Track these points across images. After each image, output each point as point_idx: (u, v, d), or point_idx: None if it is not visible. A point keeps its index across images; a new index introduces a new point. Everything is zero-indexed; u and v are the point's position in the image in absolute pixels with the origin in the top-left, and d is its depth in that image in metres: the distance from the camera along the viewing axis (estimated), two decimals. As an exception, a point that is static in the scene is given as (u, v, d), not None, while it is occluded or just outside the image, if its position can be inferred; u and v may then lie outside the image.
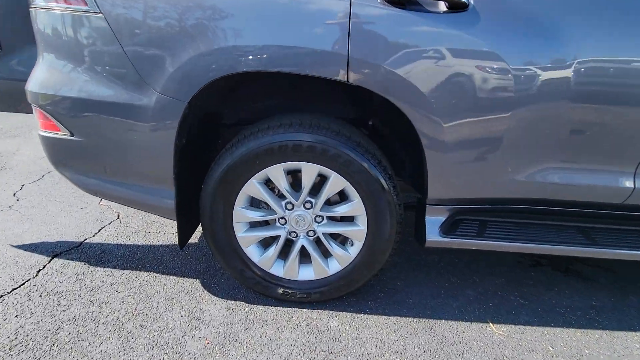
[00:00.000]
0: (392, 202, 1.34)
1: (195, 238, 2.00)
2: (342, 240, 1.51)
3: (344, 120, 1.46)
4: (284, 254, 1.51)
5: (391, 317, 1.50)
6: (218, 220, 1.41)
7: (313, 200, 1.40)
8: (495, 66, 1.14)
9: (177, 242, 1.96)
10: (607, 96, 1.17)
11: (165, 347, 1.34)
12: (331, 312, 1.52)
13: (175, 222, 1.45)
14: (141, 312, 1.50)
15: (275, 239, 1.49)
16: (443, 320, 1.50)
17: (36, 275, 1.69)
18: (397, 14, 1.11)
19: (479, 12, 1.11)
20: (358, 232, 1.42)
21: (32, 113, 1.59)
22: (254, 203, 1.47)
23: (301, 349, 1.34)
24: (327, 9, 1.12)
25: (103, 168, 1.37)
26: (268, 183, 1.42)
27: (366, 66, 1.15)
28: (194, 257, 1.85)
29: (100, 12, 1.16)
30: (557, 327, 1.49)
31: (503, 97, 1.15)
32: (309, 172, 1.33)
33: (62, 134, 1.33)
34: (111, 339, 1.37)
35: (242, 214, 1.42)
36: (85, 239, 1.99)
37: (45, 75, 1.28)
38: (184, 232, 1.49)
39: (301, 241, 1.47)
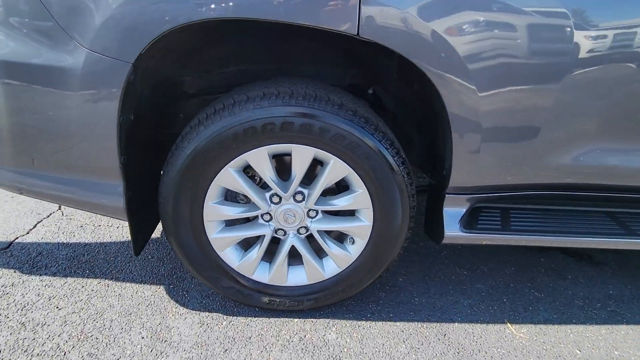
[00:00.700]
0: (405, 193, 1.08)
1: (156, 232, 1.67)
2: (339, 237, 1.24)
3: (341, 89, 1.15)
4: (269, 255, 1.23)
5: (397, 323, 1.29)
6: (184, 219, 1.10)
7: (305, 192, 1.11)
8: (549, 20, 0.87)
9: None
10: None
11: (122, 383, 1.05)
12: (327, 320, 1.28)
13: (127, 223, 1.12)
14: (89, 335, 1.18)
15: (258, 239, 1.20)
16: (456, 324, 1.30)
17: (-52, 291, 1.32)
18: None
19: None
20: (361, 228, 1.15)
21: None
22: (230, 196, 1.16)
23: (296, 374, 1.10)
24: None
25: (29, 157, 1.00)
26: (247, 171, 1.11)
27: (385, 14, 0.83)
28: (155, 258, 1.54)
29: None
30: (580, 324, 1.33)
31: (559, 62, 0.89)
32: (302, 156, 1.03)
33: (-49, 108, 0.93)
34: (49, 376, 1.06)
35: (215, 211, 1.11)
36: (17, 238, 1.61)
37: None
38: (139, 236, 1.16)
39: (290, 240, 1.19)
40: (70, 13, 0.83)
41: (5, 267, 1.44)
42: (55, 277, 1.41)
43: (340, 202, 1.13)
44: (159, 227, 1.66)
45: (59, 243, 1.60)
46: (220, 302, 1.33)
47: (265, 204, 1.12)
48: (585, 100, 0.97)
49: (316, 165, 1.10)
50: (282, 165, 1.13)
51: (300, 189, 1.11)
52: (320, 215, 1.16)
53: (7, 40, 0.87)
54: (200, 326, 1.23)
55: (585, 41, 0.90)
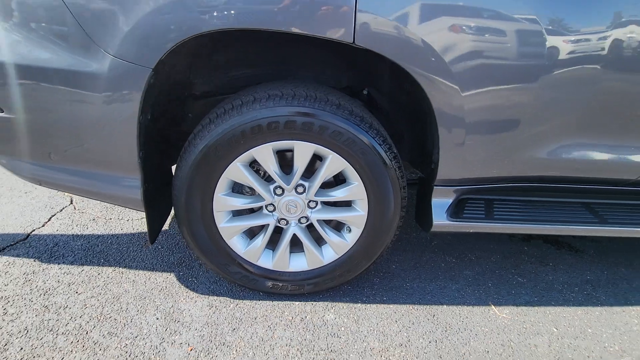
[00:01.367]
0: (397, 185, 1.19)
1: (165, 225, 1.78)
2: (337, 227, 1.35)
3: (339, 91, 1.26)
4: (272, 243, 1.34)
5: (390, 306, 1.40)
6: (195, 210, 1.21)
7: (306, 184, 1.22)
8: (523, 26, 0.98)
9: (145, 231, 1.73)
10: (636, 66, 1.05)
11: (141, 358, 1.16)
12: (326, 303, 1.39)
13: (143, 213, 1.22)
14: (108, 316, 1.29)
15: (262, 228, 1.31)
16: (444, 306, 1.42)
17: (-27, 278, 1.42)
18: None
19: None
20: (357, 217, 1.26)
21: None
22: (237, 189, 1.27)
23: (298, 349, 1.21)
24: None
25: (47, 152, 1.10)
26: (253, 165, 1.22)
27: (374, 25, 0.94)
28: (165, 247, 1.64)
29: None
30: (558, 305, 1.45)
31: (534, 63, 1.00)
32: (304, 152, 1.14)
33: (-14, 109, 1.04)
34: (74, 352, 1.16)
35: (223, 202, 1.22)
36: (33, 230, 1.71)
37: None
38: (154, 225, 1.27)
39: (292, 229, 1.30)
40: (98, 24, 0.93)
41: (25, 257, 1.54)
42: (73, 266, 1.51)
43: (338, 194, 1.24)
44: (167, 220, 1.77)
45: (73, 235, 1.70)
46: (228, 287, 1.44)
47: (270, 195, 1.23)
48: (558, 99, 1.08)
49: (316, 160, 1.21)
50: (284, 160, 1.24)
51: (301, 181, 1.21)
52: (319, 205, 1.27)
53: (39, 49, 0.97)
54: (210, 308, 1.34)
55: (554, 46, 1.01)
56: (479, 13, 0.98)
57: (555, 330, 1.34)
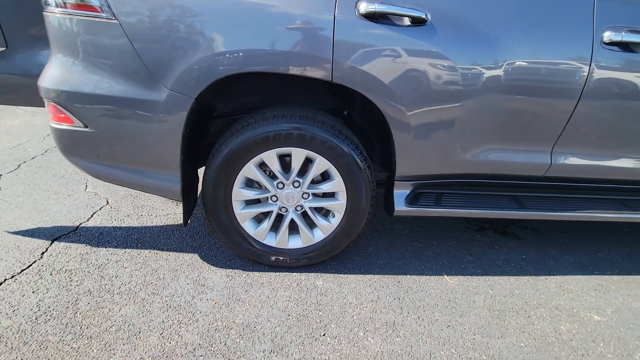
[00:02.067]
0: (367, 180, 1.63)
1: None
2: (325, 213, 1.78)
3: (324, 112, 1.71)
4: (275, 226, 1.76)
5: (366, 275, 1.82)
6: (219, 200, 1.63)
7: (300, 180, 1.66)
8: (446, 65, 1.43)
9: (170, 224, 2.15)
10: (529, 90, 1.50)
11: (178, 308, 1.56)
12: (317, 274, 1.81)
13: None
14: (150, 282, 1.70)
15: (267, 214, 1.74)
16: (408, 275, 1.83)
17: (41, 257, 1.82)
18: (372, 26, 1.37)
19: (435, 26, 1.40)
20: (339, 205, 1.70)
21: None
22: (249, 184, 1.70)
23: (295, 303, 1.62)
24: (316, 22, 1.36)
25: (114, 156, 1.53)
26: (262, 166, 1.65)
27: (346, 68, 1.40)
28: (188, 236, 2.06)
29: (116, 19, 1.32)
30: (496, 275, 1.87)
31: (453, 90, 1.45)
32: (298, 156, 1.58)
33: (76, 125, 1.47)
34: (128, 305, 1.56)
35: (240, 193, 1.65)
36: (80, 224, 2.12)
37: (60, 73, 1.42)
38: (187, 211, 1.69)
39: (290, 215, 1.73)
40: (159, 68, 1.38)
41: (78, 242, 1.95)
42: (117, 248, 1.92)
43: (324, 187, 1.67)
44: (179, 221, 2.18)
45: (113, 227, 2.11)
46: (240, 262, 1.85)
47: (273, 188, 1.66)
48: (474, 117, 1.53)
49: (308, 162, 1.65)
50: (284, 162, 1.67)
51: (297, 178, 1.65)
52: (311, 196, 1.71)
53: (116, 84, 1.41)
54: (227, 277, 1.75)
55: (467, 78, 1.46)
56: (414, 58, 1.43)
57: (491, 291, 1.76)
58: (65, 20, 1.35)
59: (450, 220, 2.35)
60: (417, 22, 1.38)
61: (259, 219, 1.77)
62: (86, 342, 1.38)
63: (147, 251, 1.91)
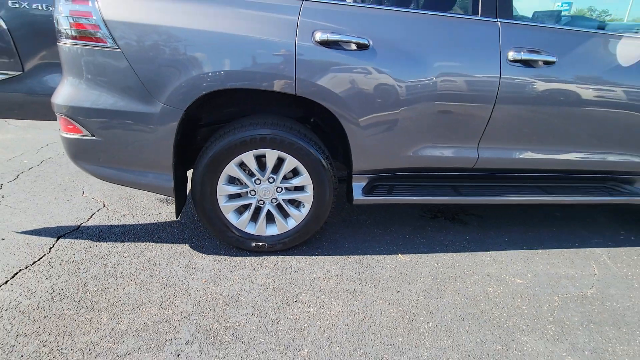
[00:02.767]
0: (330, 175, 1.98)
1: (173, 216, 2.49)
2: (296, 204, 2.12)
3: (294, 119, 2.06)
4: (254, 217, 2.09)
5: (333, 256, 2.15)
6: (206, 195, 1.95)
7: (274, 176, 1.99)
8: (386, 80, 1.80)
9: (162, 221, 2.44)
10: (454, 98, 1.88)
11: (173, 286, 1.86)
12: (291, 256, 2.13)
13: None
14: (148, 267, 1.99)
15: (247, 206, 2.06)
16: (368, 255, 2.18)
17: (49, 251, 2.08)
18: (325, 51, 1.73)
19: (376, 50, 1.76)
20: (307, 197, 2.03)
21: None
22: (231, 180, 2.02)
23: (272, 279, 1.94)
24: (282, 47, 1.70)
25: (117, 159, 1.83)
26: (242, 165, 1.98)
27: (307, 83, 1.75)
28: (179, 230, 2.35)
29: (119, 48, 1.64)
30: (442, 253, 2.24)
31: (393, 100, 1.82)
32: (272, 156, 1.92)
33: (84, 135, 1.77)
34: (130, 285, 1.85)
35: (223, 189, 1.97)
36: (82, 223, 2.39)
37: (71, 91, 1.72)
38: (179, 205, 2.00)
39: (267, 207, 2.06)
40: (154, 85, 1.69)
41: (81, 239, 2.22)
42: (117, 242, 2.20)
43: (294, 182, 2.01)
44: (170, 218, 2.47)
45: (111, 225, 2.39)
46: (225, 250, 2.15)
47: (252, 184, 1.99)
48: (412, 121, 1.89)
49: (280, 161, 1.98)
50: (260, 162, 2.00)
51: (271, 175, 1.98)
52: (284, 190, 2.04)
53: (117, 99, 1.72)
54: (214, 261, 2.06)
55: (404, 90, 1.83)
56: (360, 75, 1.78)
57: (436, 264, 2.12)
58: (77, 49, 1.65)
59: (408, 210, 2.71)
60: (361, 47, 1.74)
61: (240, 210, 2.09)
62: (97, 313, 1.67)
63: (143, 243, 2.20)
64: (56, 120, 1.85)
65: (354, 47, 1.74)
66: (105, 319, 1.63)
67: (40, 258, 2.02)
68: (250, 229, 2.08)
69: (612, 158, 2.16)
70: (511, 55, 1.85)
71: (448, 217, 2.66)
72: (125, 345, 1.51)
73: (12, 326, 1.57)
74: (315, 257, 2.14)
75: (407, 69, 1.81)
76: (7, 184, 2.86)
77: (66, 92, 1.73)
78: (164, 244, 2.19)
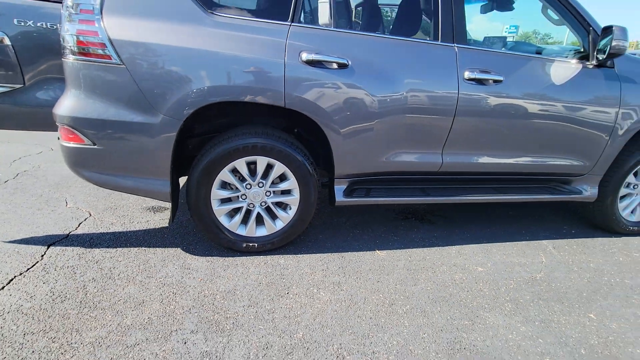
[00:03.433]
0: (314, 180, 2.20)
1: (165, 223, 2.60)
2: (284, 207, 2.31)
3: (280, 129, 2.27)
4: (244, 220, 2.26)
5: (317, 254, 2.35)
6: (201, 199, 2.10)
7: (264, 181, 2.18)
8: (363, 95, 2.06)
9: (151, 228, 2.55)
10: (421, 111, 2.18)
11: (171, 285, 1.98)
12: (280, 255, 2.31)
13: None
14: (144, 269, 2.09)
15: (238, 209, 2.23)
16: (349, 252, 2.40)
17: (42, 258, 2.14)
18: (311, 69, 1.97)
19: (354, 69, 2.03)
20: (294, 200, 2.24)
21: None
22: (224, 185, 2.19)
23: (264, 275, 2.11)
24: (273, 66, 1.92)
25: (117, 167, 1.95)
26: (234, 171, 2.15)
27: (294, 97, 1.98)
28: (169, 235, 2.47)
29: (123, 64, 1.79)
30: (414, 248, 2.50)
31: (369, 112, 2.08)
32: (262, 162, 2.11)
33: (85, 144, 1.89)
34: (129, 286, 1.96)
35: (217, 194, 2.13)
36: (70, 232, 2.44)
37: (74, 103, 1.83)
38: (174, 210, 2.14)
39: (257, 209, 2.24)
40: (156, 98, 1.85)
41: (72, 246, 2.28)
42: (109, 248, 2.28)
43: (282, 186, 2.21)
44: (165, 221, 2.58)
45: (101, 232, 2.46)
46: (217, 251, 2.30)
47: (243, 189, 2.17)
48: (385, 131, 2.17)
49: (270, 167, 2.17)
50: (250, 168, 2.19)
51: (261, 180, 2.17)
52: (272, 194, 2.23)
53: (121, 110, 1.86)
54: (208, 262, 2.19)
55: (377, 102, 2.10)
56: (341, 90, 2.03)
57: (409, 258, 2.38)
58: (82, 64, 1.79)
59: (383, 212, 2.98)
60: (341, 66, 2.00)
61: (231, 214, 2.25)
62: (101, 312, 1.76)
63: (135, 249, 2.29)
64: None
65: (335, 65, 2.00)
66: (109, 316, 1.73)
67: (34, 265, 2.07)
68: (241, 231, 2.25)
69: (552, 162, 2.54)
70: (467, 74, 2.18)
71: (418, 217, 2.95)
72: (133, 337, 1.62)
73: (17, 326, 1.64)
74: (301, 255, 2.33)
75: (380, 86, 2.09)
76: (-16, 197, 2.84)
77: (70, 103, 1.85)
78: (157, 249, 2.30)
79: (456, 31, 2.19)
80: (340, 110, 2.05)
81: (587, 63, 2.40)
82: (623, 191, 2.78)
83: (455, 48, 2.19)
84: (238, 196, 2.20)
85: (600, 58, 2.32)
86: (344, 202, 2.29)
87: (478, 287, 2.13)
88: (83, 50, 1.78)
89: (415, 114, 2.17)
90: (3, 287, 1.88)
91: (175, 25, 1.83)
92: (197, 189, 2.08)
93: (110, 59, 1.79)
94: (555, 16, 2.44)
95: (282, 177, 2.22)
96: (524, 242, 2.70)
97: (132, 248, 2.29)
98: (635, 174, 2.76)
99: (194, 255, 2.26)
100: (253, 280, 2.06)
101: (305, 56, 1.94)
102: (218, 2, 1.96)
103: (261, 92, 1.93)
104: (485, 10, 3.04)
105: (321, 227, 2.69)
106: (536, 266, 2.40)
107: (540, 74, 2.34)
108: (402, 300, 1.97)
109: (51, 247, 2.24)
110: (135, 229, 2.52)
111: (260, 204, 2.23)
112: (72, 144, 1.91)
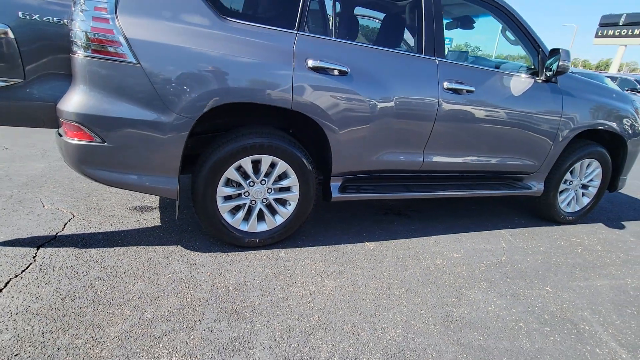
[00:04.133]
0: (313, 177, 2.37)
1: (157, 221, 2.60)
2: (283, 203, 2.45)
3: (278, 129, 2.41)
4: (246, 216, 2.36)
5: (313, 247, 2.52)
6: (207, 196, 2.17)
7: (266, 179, 2.30)
8: (360, 100, 2.28)
9: (143, 227, 2.55)
10: (407, 115, 2.45)
11: (182, 280, 2.03)
12: (280, 249, 2.44)
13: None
14: (150, 267, 2.11)
15: (241, 206, 2.33)
16: (341, 245, 2.60)
17: (34, 260, 2.06)
18: (315, 75, 2.14)
19: (353, 76, 2.24)
20: (294, 196, 2.38)
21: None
22: (228, 183, 2.27)
23: (270, 267, 2.23)
24: (283, 71, 2.06)
25: (125, 165, 1.96)
26: (238, 169, 2.25)
27: (300, 100, 2.14)
28: (165, 234, 2.48)
29: (139, 63, 1.82)
30: (397, 239, 2.77)
31: (364, 116, 2.31)
32: (266, 161, 2.24)
33: (95, 141, 1.88)
34: (139, 282, 1.97)
35: (222, 191, 2.21)
36: (57, 233, 2.36)
37: (84, 100, 1.82)
38: (180, 206, 2.18)
39: (259, 206, 2.35)
40: (169, 98, 1.90)
41: (64, 247, 2.21)
42: (105, 247, 2.25)
43: (284, 183, 2.34)
44: (158, 218, 2.58)
45: (92, 232, 2.40)
46: (218, 247, 2.37)
47: (247, 186, 2.27)
48: (376, 133, 2.40)
49: (273, 165, 2.30)
50: (254, 165, 2.29)
51: (263, 177, 2.29)
52: (273, 191, 2.36)
53: (135, 109, 1.88)
54: (211, 257, 2.26)
55: (369, 106, 2.34)
56: (341, 95, 2.23)
57: (395, 248, 2.64)
58: (94, 62, 1.79)
59: (366, 209, 3.22)
60: (342, 73, 2.20)
61: (233, 211, 2.34)
62: (118, 308, 1.78)
63: (134, 247, 2.29)
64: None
65: (336, 72, 2.19)
66: (128, 312, 1.76)
67: (28, 267, 2.00)
68: (244, 226, 2.34)
69: (511, 162, 2.95)
70: (445, 84, 2.49)
71: (396, 212, 3.23)
72: (159, 329, 1.67)
73: (32, 327, 1.61)
74: (299, 248, 2.48)
75: (375, 92, 2.32)
76: (-56, 198, 2.61)
77: (78, 100, 1.83)
78: (157, 247, 2.32)
79: (436, 46, 2.50)
80: (340, 113, 2.25)
81: (537, 78, 2.84)
82: (562, 187, 3.29)
83: (436, 61, 2.49)
84: (241, 193, 2.29)
85: (549, 74, 2.76)
86: (339, 198, 2.49)
87: (457, 270, 2.44)
88: (96, 48, 1.78)
89: (404, 118, 2.43)
90: (1, 290, 1.81)
91: (190, 28, 1.90)
92: (205, 186, 2.15)
93: (125, 57, 1.81)
94: (512, 37, 2.86)
95: (283, 175, 2.36)
96: (487, 231, 3.09)
97: (130, 247, 2.28)
98: (571, 172, 3.29)
99: (197, 251, 2.31)
100: (260, 272, 2.17)
101: (310, 63, 2.11)
102: (230, 9, 2.06)
103: (273, 94, 2.06)
104: (449, 27, 3.42)
105: (312, 224, 2.85)
106: (499, 251, 2.78)
107: (501, 86, 2.73)
108: (397, 284, 2.21)
109: (41, 249, 2.16)
110: (127, 229, 2.49)
111: (262, 200, 2.35)
112: (79, 141, 1.89)
